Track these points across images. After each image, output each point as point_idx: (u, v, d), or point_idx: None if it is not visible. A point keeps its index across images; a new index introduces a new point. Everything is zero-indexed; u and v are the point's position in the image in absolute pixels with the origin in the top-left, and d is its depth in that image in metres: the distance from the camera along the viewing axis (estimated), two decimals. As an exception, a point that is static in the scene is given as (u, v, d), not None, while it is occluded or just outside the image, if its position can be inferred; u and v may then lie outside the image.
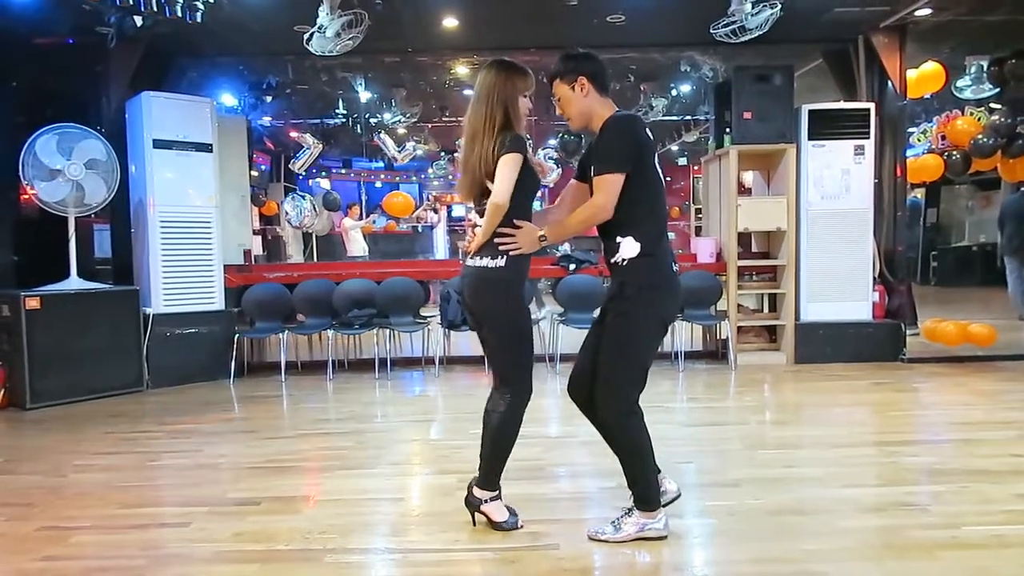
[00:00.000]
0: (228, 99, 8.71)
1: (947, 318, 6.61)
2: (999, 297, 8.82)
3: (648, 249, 2.62)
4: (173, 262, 5.91)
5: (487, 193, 2.69)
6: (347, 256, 11.51)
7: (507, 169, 2.63)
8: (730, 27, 5.43)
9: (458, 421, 4.76)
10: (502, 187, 2.62)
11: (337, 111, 10.46)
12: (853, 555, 2.55)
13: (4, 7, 5.34)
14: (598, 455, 3.76)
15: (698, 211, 15.82)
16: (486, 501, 2.83)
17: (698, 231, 14.37)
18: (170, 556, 2.66)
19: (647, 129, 2.69)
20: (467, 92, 9.69)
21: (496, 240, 2.70)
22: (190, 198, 5.99)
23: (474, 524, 2.85)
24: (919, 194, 14.51)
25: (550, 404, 5.10)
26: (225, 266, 6.27)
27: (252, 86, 8.78)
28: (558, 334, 6.32)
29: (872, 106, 6.36)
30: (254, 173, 10.32)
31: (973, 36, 6.87)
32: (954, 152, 7.40)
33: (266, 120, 10.87)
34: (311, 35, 5.49)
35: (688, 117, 11.71)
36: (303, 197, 11.07)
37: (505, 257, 2.70)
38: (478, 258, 2.75)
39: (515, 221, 2.69)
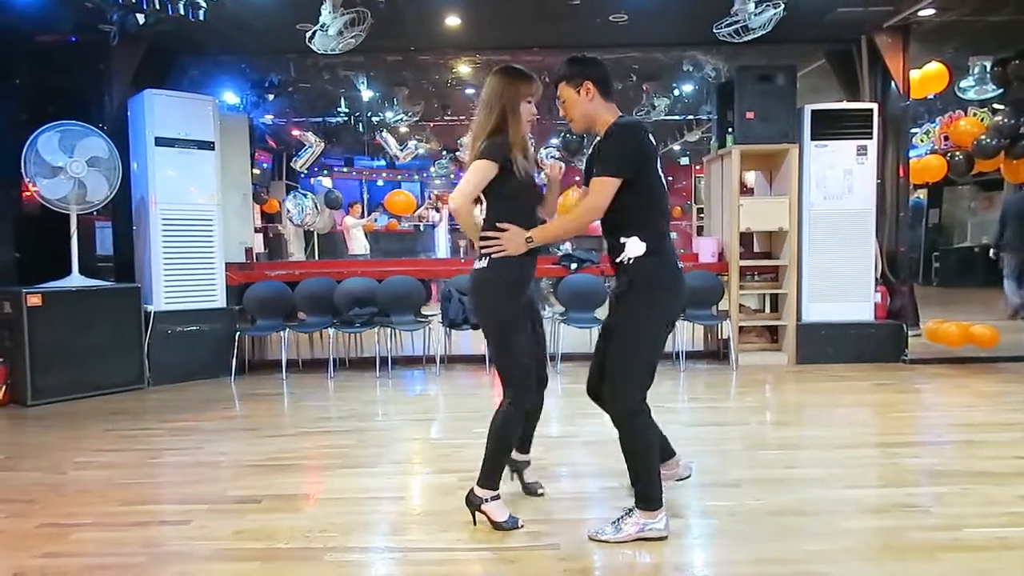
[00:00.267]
0: (230, 97, 8.71)
1: (949, 319, 6.59)
2: (1001, 298, 8.82)
3: (653, 248, 2.67)
4: (175, 260, 5.91)
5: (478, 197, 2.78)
6: (348, 254, 11.52)
7: (471, 173, 2.73)
8: (733, 27, 5.42)
9: (459, 420, 4.76)
10: (458, 190, 2.73)
11: (339, 109, 10.45)
12: (854, 556, 2.54)
13: (7, 5, 5.34)
14: (599, 455, 3.77)
15: (700, 211, 15.81)
16: (487, 500, 2.83)
17: (700, 231, 14.36)
18: (170, 554, 2.66)
19: (651, 135, 2.73)
20: (469, 91, 9.71)
21: (480, 244, 2.78)
22: (192, 196, 5.99)
23: (474, 523, 2.85)
24: (921, 195, 14.48)
25: (551, 404, 5.08)
26: (227, 264, 6.28)
27: (254, 84, 8.78)
28: (559, 333, 6.31)
29: (875, 106, 6.34)
30: (256, 171, 10.32)
31: (977, 36, 6.85)
32: (957, 153, 7.39)
33: (268, 118, 10.87)
34: (313, 33, 5.49)
35: (690, 117, 11.71)
36: (305, 195, 11.07)
37: (487, 259, 2.76)
38: (476, 260, 2.84)
39: (498, 224, 2.76)
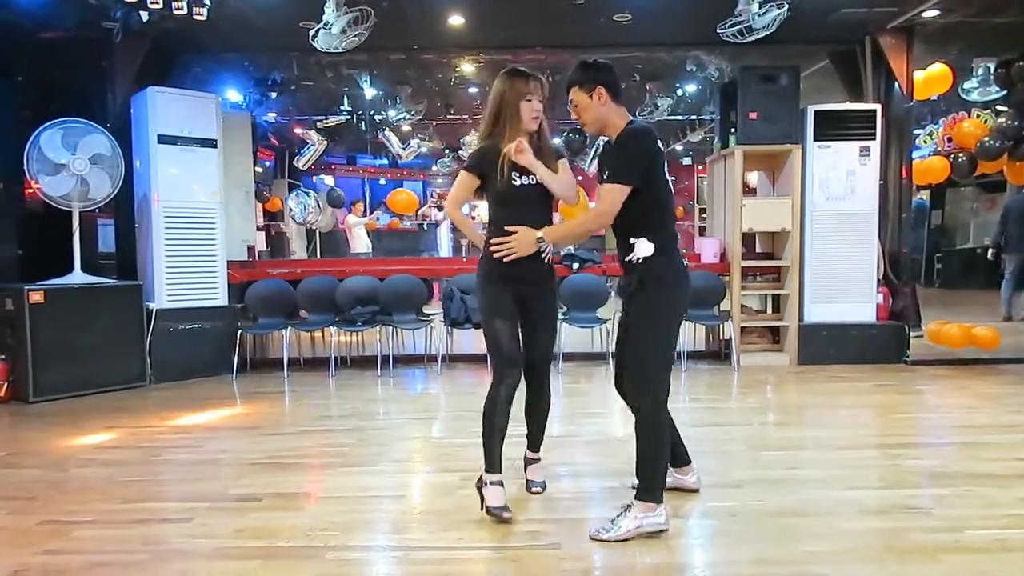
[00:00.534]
0: (233, 95, 8.71)
1: (951, 320, 6.58)
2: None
3: (661, 248, 2.79)
4: (177, 257, 5.92)
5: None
6: (350, 253, 11.51)
7: (455, 183, 3.05)
8: (737, 27, 5.41)
9: (460, 419, 4.75)
10: (448, 197, 3.10)
11: (342, 108, 10.45)
12: (855, 557, 2.54)
13: (10, 2, 5.34)
14: (600, 455, 3.77)
15: (702, 211, 15.81)
16: (486, 483, 2.92)
17: (702, 231, 14.36)
18: (171, 551, 2.66)
19: (658, 140, 2.83)
20: (472, 90, 9.70)
21: (492, 248, 2.93)
22: (194, 194, 6.00)
23: (480, 508, 2.90)
24: (924, 196, 14.46)
25: (553, 404, 5.08)
26: (229, 262, 6.28)
27: (257, 82, 8.77)
28: (560, 333, 6.29)
29: (878, 107, 6.33)
30: (258, 169, 10.33)
31: (981, 38, 6.84)
32: (960, 154, 7.38)
33: (271, 116, 10.87)
34: (317, 32, 5.49)
35: (693, 117, 11.70)
36: (307, 193, 11.07)
37: (481, 255, 3.02)
38: None
39: (506, 227, 2.89)
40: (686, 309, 2.96)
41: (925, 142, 8.62)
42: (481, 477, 2.96)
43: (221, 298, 6.18)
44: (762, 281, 6.69)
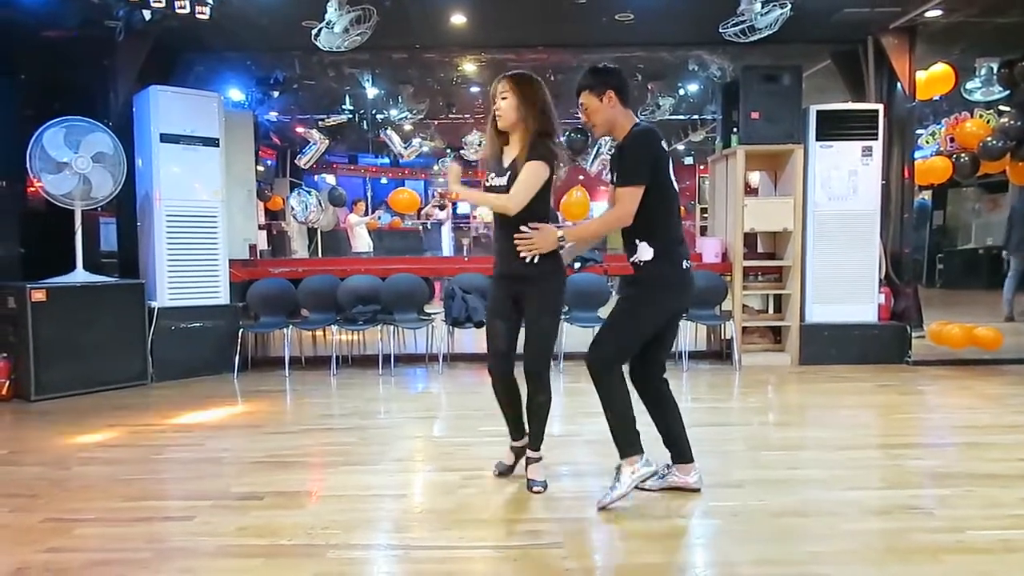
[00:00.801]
0: (235, 94, 8.70)
1: (953, 321, 6.58)
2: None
3: (660, 252, 2.95)
4: (179, 256, 5.92)
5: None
6: (352, 252, 11.51)
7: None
8: (739, 27, 5.41)
9: (461, 419, 4.76)
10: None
11: (344, 107, 10.44)
12: (856, 558, 2.54)
13: (13, 0, 5.34)
14: (601, 454, 3.76)
15: (704, 211, 15.79)
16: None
17: (703, 231, 14.34)
18: (174, 549, 2.67)
19: (663, 141, 2.97)
20: (474, 89, 9.69)
21: (517, 243, 3.02)
22: (196, 192, 6.00)
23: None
24: (926, 196, 14.45)
25: (553, 403, 5.08)
26: (230, 261, 6.28)
27: (259, 81, 8.77)
28: (562, 332, 6.29)
29: (881, 107, 6.33)
30: (260, 168, 10.33)
31: (983, 38, 6.83)
32: (963, 154, 7.36)
33: (273, 115, 10.87)
34: (319, 31, 5.49)
35: (695, 117, 11.68)
36: (309, 192, 11.06)
37: None
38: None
39: (531, 225, 3.00)
40: (683, 310, 3.13)
41: (927, 142, 8.60)
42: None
43: (223, 297, 6.18)
44: (764, 281, 6.69)
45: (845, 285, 6.31)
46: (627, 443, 3.02)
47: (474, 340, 7.21)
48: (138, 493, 3.30)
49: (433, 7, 6.03)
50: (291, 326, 6.34)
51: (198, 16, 5.21)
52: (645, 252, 2.96)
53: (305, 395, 5.53)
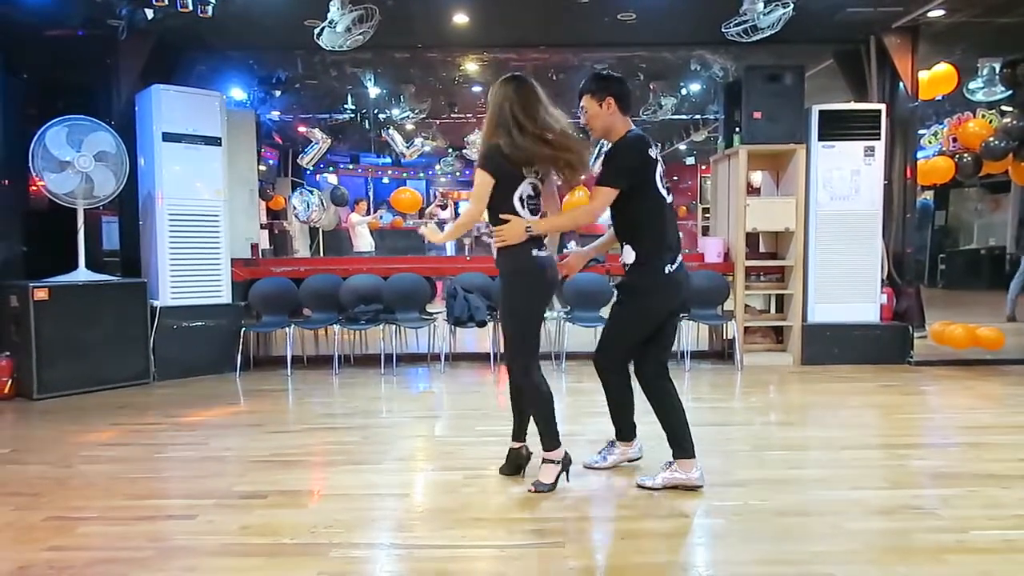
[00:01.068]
0: (237, 93, 8.71)
1: (955, 321, 6.58)
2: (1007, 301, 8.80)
3: (642, 259, 3.10)
4: (181, 255, 5.92)
5: None
6: (354, 251, 11.51)
7: None
8: (742, 26, 5.41)
9: (463, 418, 4.76)
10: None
11: (346, 106, 10.45)
12: (859, 558, 2.53)
13: (16, 0, 5.35)
14: (604, 454, 3.76)
15: (706, 211, 15.79)
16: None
17: (705, 231, 14.33)
18: (177, 548, 2.67)
19: (651, 149, 3.09)
20: (476, 88, 9.69)
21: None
22: (198, 191, 6.01)
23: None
24: (929, 196, 14.44)
25: (555, 402, 5.08)
26: (232, 260, 6.29)
27: (261, 80, 8.78)
28: (564, 332, 6.30)
29: (883, 107, 6.32)
30: (262, 167, 10.34)
31: (986, 38, 6.82)
32: (965, 155, 7.36)
33: (275, 115, 10.88)
34: (322, 30, 5.49)
35: (697, 116, 11.68)
36: (311, 192, 11.08)
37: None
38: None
39: (501, 216, 3.09)
40: (666, 314, 3.21)
41: (930, 142, 8.59)
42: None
43: (225, 296, 6.18)
44: (766, 281, 6.68)
45: (847, 285, 6.31)
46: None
47: (476, 340, 7.22)
48: (141, 492, 3.30)
49: (435, 6, 6.03)
50: (293, 325, 6.34)
51: (200, 15, 5.21)
52: (628, 255, 3.13)
53: (307, 394, 5.53)
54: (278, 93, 9.20)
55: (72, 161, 5.34)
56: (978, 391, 5.39)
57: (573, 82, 3.36)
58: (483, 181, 3.05)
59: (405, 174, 17.52)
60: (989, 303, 9.86)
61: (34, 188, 5.77)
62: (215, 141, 6.06)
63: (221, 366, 6.12)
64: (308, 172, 13.17)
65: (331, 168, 15.73)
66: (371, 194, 16.16)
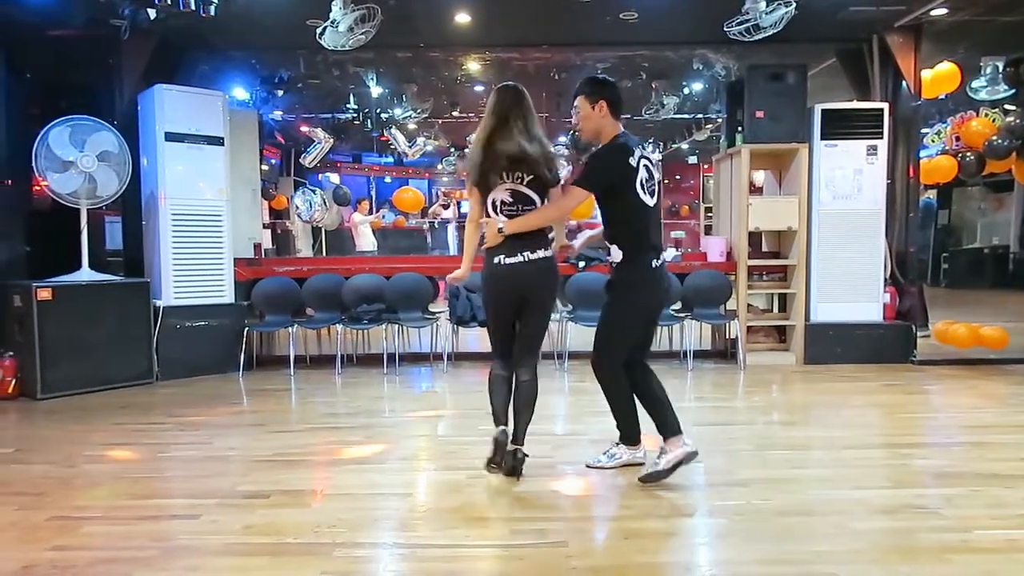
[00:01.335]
0: (240, 93, 8.72)
1: (958, 320, 6.57)
2: (1011, 300, 8.78)
3: (628, 257, 3.25)
4: (184, 255, 5.93)
5: None
6: (356, 251, 11.53)
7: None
8: (744, 25, 5.40)
9: (466, 418, 4.76)
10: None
11: (348, 106, 10.46)
12: (862, 557, 2.53)
13: (19, 0, 5.36)
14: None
15: (708, 210, 15.78)
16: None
17: (708, 230, 14.33)
18: (180, 548, 2.67)
19: (632, 158, 3.18)
20: (478, 88, 9.70)
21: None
22: (201, 191, 6.01)
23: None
24: (932, 195, 14.42)
25: (558, 402, 5.10)
26: (235, 259, 6.29)
27: (264, 80, 8.80)
28: (566, 332, 6.29)
29: (886, 106, 6.32)
30: (264, 167, 10.36)
31: (989, 36, 6.81)
32: (968, 153, 7.34)
33: (277, 114, 10.89)
34: (324, 29, 5.50)
35: (700, 115, 11.68)
36: (313, 191, 11.09)
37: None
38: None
39: (482, 220, 3.30)
40: (656, 308, 3.40)
41: (933, 141, 8.57)
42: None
43: (228, 296, 6.19)
44: (768, 280, 6.67)
45: (850, 284, 6.30)
46: (632, 432, 3.47)
47: (479, 339, 7.22)
48: (144, 491, 3.31)
49: (437, 6, 6.03)
50: (296, 325, 6.35)
51: (203, 15, 5.21)
52: (616, 254, 3.27)
53: (310, 394, 5.54)
54: (280, 93, 9.22)
55: (75, 161, 5.35)
56: (981, 390, 5.38)
57: (575, 81, 3.38)
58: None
59: (408, 173, 17.52)
60: (992, 302, 9.86)
61: (37, 188, 5.79)
62: (218, 141, 6.07)
63: (224, 366, 6.12)
64: (310, 172, 13.18)
65: (334, 167, 15.74)
66: (373, 193, 16.18)
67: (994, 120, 7.29)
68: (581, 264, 6.46)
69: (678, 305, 6.58)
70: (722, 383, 5.78)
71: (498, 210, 3.25)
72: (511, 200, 3.24)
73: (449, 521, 2.89)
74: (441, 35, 6.81)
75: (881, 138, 6.25)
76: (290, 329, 6.31)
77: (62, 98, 5.91)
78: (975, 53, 7.30)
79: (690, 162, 17.65)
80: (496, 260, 3.25)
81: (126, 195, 5.79)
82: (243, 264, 6.45)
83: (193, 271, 5.99)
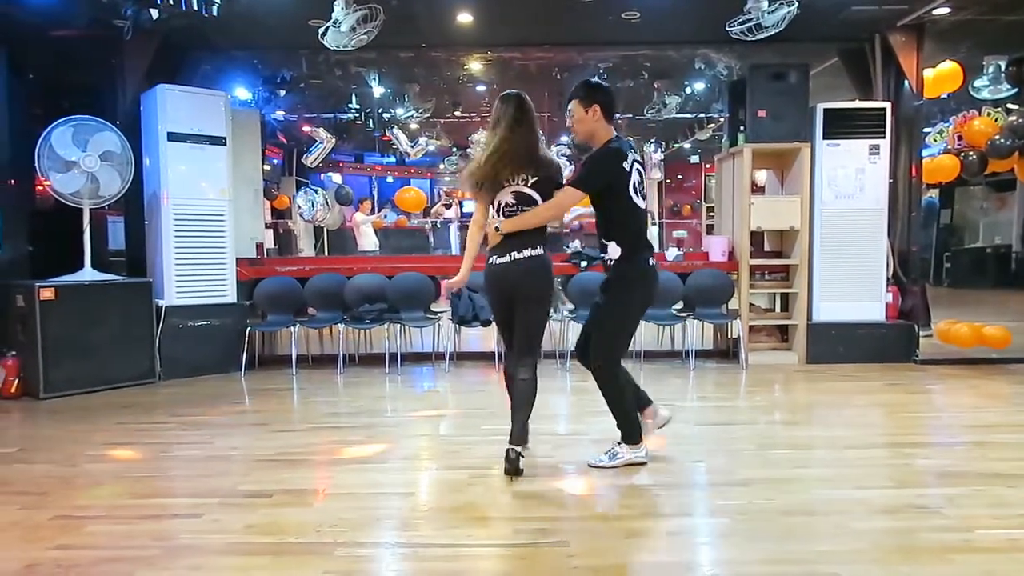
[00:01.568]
0: (242, 93, 8.73)
1: (961, 320, 6.56)
2: (1013, 299, 8.77)
3: (627, 253, 3.36)
4: (186, 255, 5.94)
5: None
6: (358, 251, 11.54)
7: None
8: (746, 25, 5.40)
9: (468, 417, 4.76)
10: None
11: (350, 106, 10.46)
12: (864, 557, 2.53)
13: (22, 0, 5.37)
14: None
15: (710, 209, 15.78)
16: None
17: (710, 229, 14.33)
18: (182, 547, 2.68)
19: (626, 162, 3.31)
20: (480, 88, 9.70)
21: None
22: (203, 191, 6.02)
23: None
24: (934, 194, 14.40)
25: (560, 401, 5.10)
26: (237, 259, 6.30)
27: (266, 80, 8.80)
28: (568, 331, 6.28)
29: (888, 105, 6.31)
30: (266, 167, 10.36)
31: (991, 35, 6.80)
32: (970, 153, 7.33)
33: (279, 114, 10.90)
34: (326, 30, 5.50)
35: (702, 115, 11.67)
36: (315, 191, 11.10)
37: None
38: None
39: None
40: (651, 302, 3.52)
41: (935, 140, 8.56)
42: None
43: (230, 295, 6.20)
44: (770, 280, 6.67)
45: (852, 284, 6.29)
46: (632, 431, 3.50)
47: (480, 339, 7.23)
48: (146, 491, 3.31)
49: (439, 6, 6.04)
50: (298, 324, 6.36)
51: (205, 15, 5.22)
52: (614, 251, 3.36)
53: (312, 393, 5.54)
54: (282, 93, 9.22)
55: (78, 161, 5.36)
56: (984, 390, 5.37)
57: (577, 81, 3.43)
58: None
59: (409, 173, 17.53)
60: (994, 302, 9.84)
61: (40, 188, 5.81)
62: (220, 141, 6.08)
63: (226, 365, 6.13)
64: (312, 171, 13.19)
65: (336, 167, 15.74)
66: (375, 193, 16.19)
67: (996, 119, 7.29)
68: (583, 264, 6.46)
69: (680, 305, 6.58)
70: (724, 383, 5.78)
71: (501, 211, 3.38)
72: (514, 202, 3.36)
73: (451, 520, 2.89)
74: (443, 35, 6.81)
75: (883, 137, 6.24)
76: (292, 329, 6.31)
77: (65, 98, 5.92)
78: (977, 52, 7.29)
79: (692, 161, 17.63)
80: (490, 260, 3.41)
81: (128, 195, 5.79)
82: (245, 264, 6.46)
83: (195, 271, 6.00)
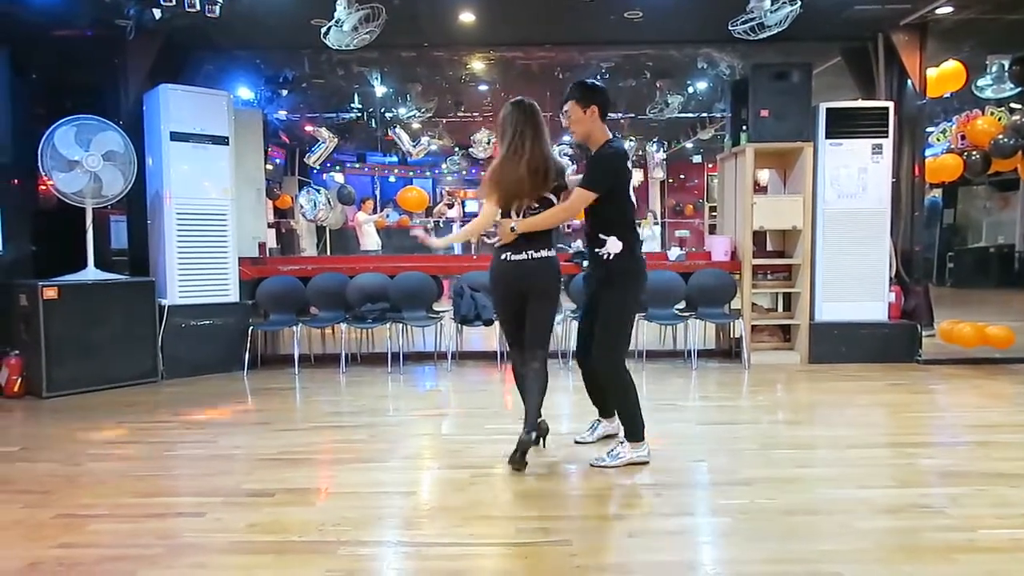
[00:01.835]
0: (244, 92, 8.74)
1: (964, 319, 6.55)
2: (1016, 299, 8.75)
3: (628, 247, 3.46)
4: (189, 254, 5.95)
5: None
6: (360, 250, 11.55)
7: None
8: (749, 24, 5.39)
9: (470, 416, 4.76)
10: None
11: (352, 105, 10.47)
12: (867, 556, 2.53)
13: (25, 0, 5.37)
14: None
15: (713, 209, 15.77)
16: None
17: (712, 229, 14.32)
18: (185, 546, 2.68)
19: (628, 161, 3.50)
20: (482, 87, 9.70)
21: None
22: (206, 191, 6.03)
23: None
24: (937, 194, 14.38)
25: (562, 401, 5.10)
26: (240, 259, 6.31)
27: (268, 80, 8.81)
28: (570, 331, 6.28)
29: (891, 105, 6.30)
30: (269, 166, 10.38)
31: (994, 35, 6.79)
32: (974, 152, 7.32)
33: (282, 114, 10.90)
34: (328, 29, 5.51)
35: (704, 114, 11.67)
36: (318, 191, 11.11)
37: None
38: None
39: (496, 221, 3.49)
40: (645, 291, 3.66)
41: (938, 140, 8.55)
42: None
43: (232, 295, 6.20)
44: (773, 279, 6.66)
45: (855, 283, 6.29)
46: (636, 430, 3.52)
47: (482, 338, 7.23)
48: (149, 489, 3.32)
49: (442, 5, 6.03)
50: (300, 324, 6.36)
51: (208, 15, 5.23)
52: (614, 245, 3.44)
53: (314, 392, 5.55)
54: (285, 92, 9.23)
55: (81, 160, 5.37)
56: (987, 390, 5.36)
57: (573, 82, 3.47)
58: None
59: (412, 173, 17.54)
60: (998, 301, 9.83)
61: (43, 187, 5.80)
62: (222, 140, 6.08)
63: (229, 364, 6.14)
64: (315, 171, 13.18)
65: (338, 167, 15.75)
66: (378, 193, 16.20)
67: (1000, 119, 7.28)
68: (585, 263, 6.46)
69: (682, 304, 6.58)
70: (726, 382, 5.77)
71: (520, 213, 3.49)
72: (536, 205, 3.49)
73: (453, 519, 2.89)
74: (445, 34, 6.81)
75: (886, 137, 6.24)
76: (294, 328, 6.32)
77: (67, 98, 5.93)
78: (981, 51, 7.28)
79: (694, 161, 17.62)
80: (503, 256, 3.48)
81: (131, 194, 5.80)
82: (247, 263, 6.47)
83: (198, 270, 6.01)
